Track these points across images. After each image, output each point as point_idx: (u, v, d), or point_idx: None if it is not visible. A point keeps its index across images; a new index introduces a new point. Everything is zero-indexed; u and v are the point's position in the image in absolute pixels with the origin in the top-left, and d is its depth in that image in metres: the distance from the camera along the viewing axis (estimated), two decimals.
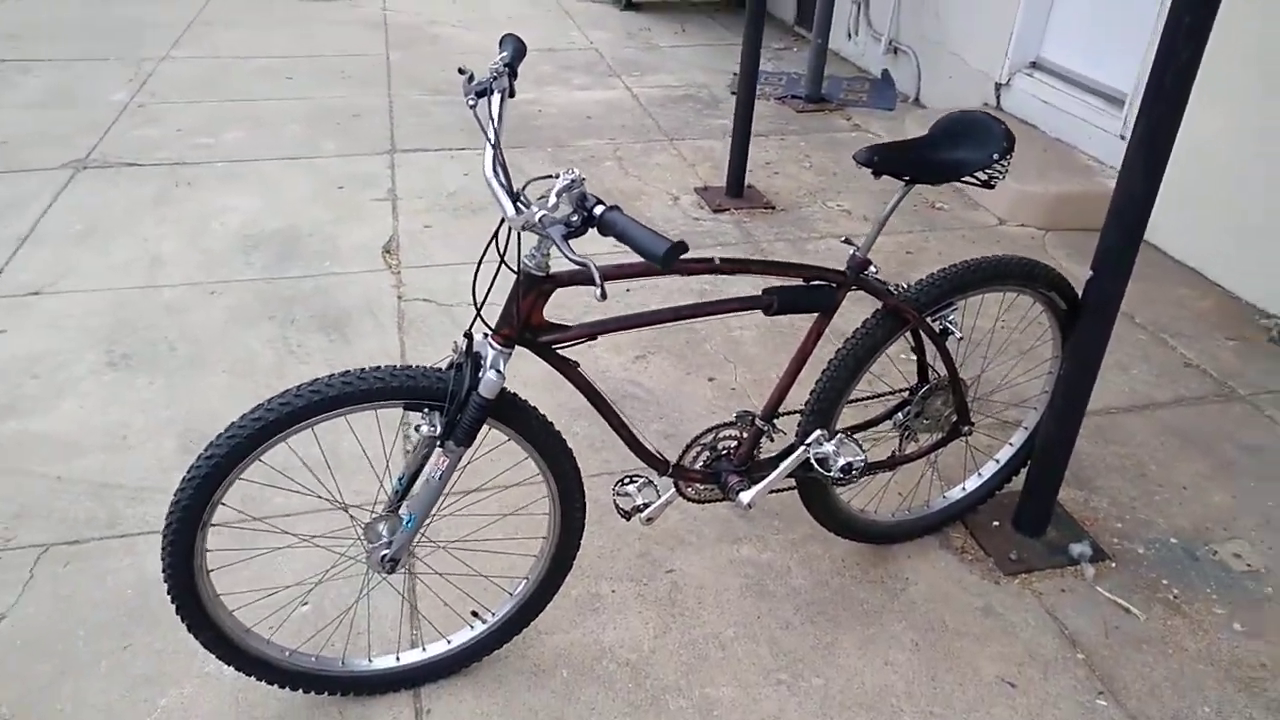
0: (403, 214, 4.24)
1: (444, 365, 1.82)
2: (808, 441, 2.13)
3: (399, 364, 1.86)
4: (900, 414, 2.35)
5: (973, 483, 2.56)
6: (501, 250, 1.70)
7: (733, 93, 5.83)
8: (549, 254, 1.73)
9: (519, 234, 1.68)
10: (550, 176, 1.56)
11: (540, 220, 1.52)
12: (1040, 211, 4.27)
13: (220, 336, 3.30)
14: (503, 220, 1.72)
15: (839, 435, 2.14)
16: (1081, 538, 2.52)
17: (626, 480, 2.19)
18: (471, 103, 1.76)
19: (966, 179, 2.00)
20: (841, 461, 2.07)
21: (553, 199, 1.48)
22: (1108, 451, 2.87)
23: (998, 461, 2.58)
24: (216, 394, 2.98)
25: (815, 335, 2.13)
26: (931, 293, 2.14)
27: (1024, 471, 2.56)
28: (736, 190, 4.45)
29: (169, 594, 1.79)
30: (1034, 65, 4.97)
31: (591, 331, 1.88)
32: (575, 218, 1.47)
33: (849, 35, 6.40)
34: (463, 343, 1.81)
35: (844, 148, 5.18)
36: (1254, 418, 3.07)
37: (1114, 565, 2.48)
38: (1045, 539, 2.53)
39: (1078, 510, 2.63)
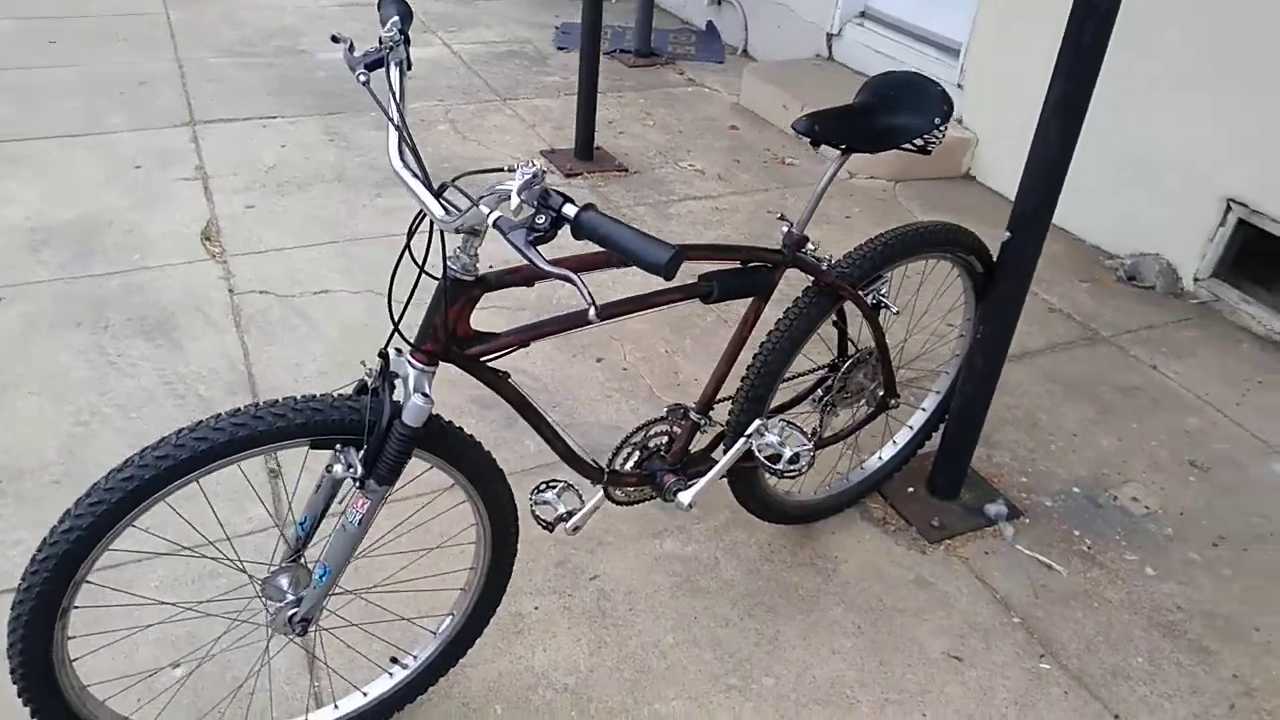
0: (217, 194, 3.75)
1: (350, 390, 1.55)
2: (748, 432, 1.98)
3: (253, 381, 1.57)
4: (822, 391, 2.25)
5: (888, 451, 2.51)
6: (412, 251, 1.45)
7: (559, 48, 5.59)
8: (477, 255, 1.48)
9: (442, 235, 1.43)
10: (496, 170, 1.32)
11: (496, 224, 1.27)
12: (888, 164, 4.29)
13: (19, 352, 2.78)
14: (419, 218, 1.46)
15: (781, 423, 2.00)
16: (995, 497, 2.52)
17: (544, 487, 1.98)
18: (363, 78, 1.47)
19: (905, 146, 1.89)
20: (789, 453, 1.94)
21: (515, 199, 1.23)
22: (999, 404, 2.89)
23: (911, 428, 2.53)
24: (28, 422, 2.51)
25: (753, 318, 1.98)
26: (864, 266, 2.03)
27: (933, 435, 2.53)
28: (586, 152, 4.22)
29: (24, 701, 1.44)
30: (863, 15, 4.99)
31: (523, 338, 1.65)
32: (541, 219, 1.23)
33: None
34: (375, 363, 1.54)
35: (682, 104, 5.04)
36: (1121, 358, 3.19)
37: (1028, 521, 2.49)
38: (961, 501, 2.51)
39: (984, 468, 2.63)
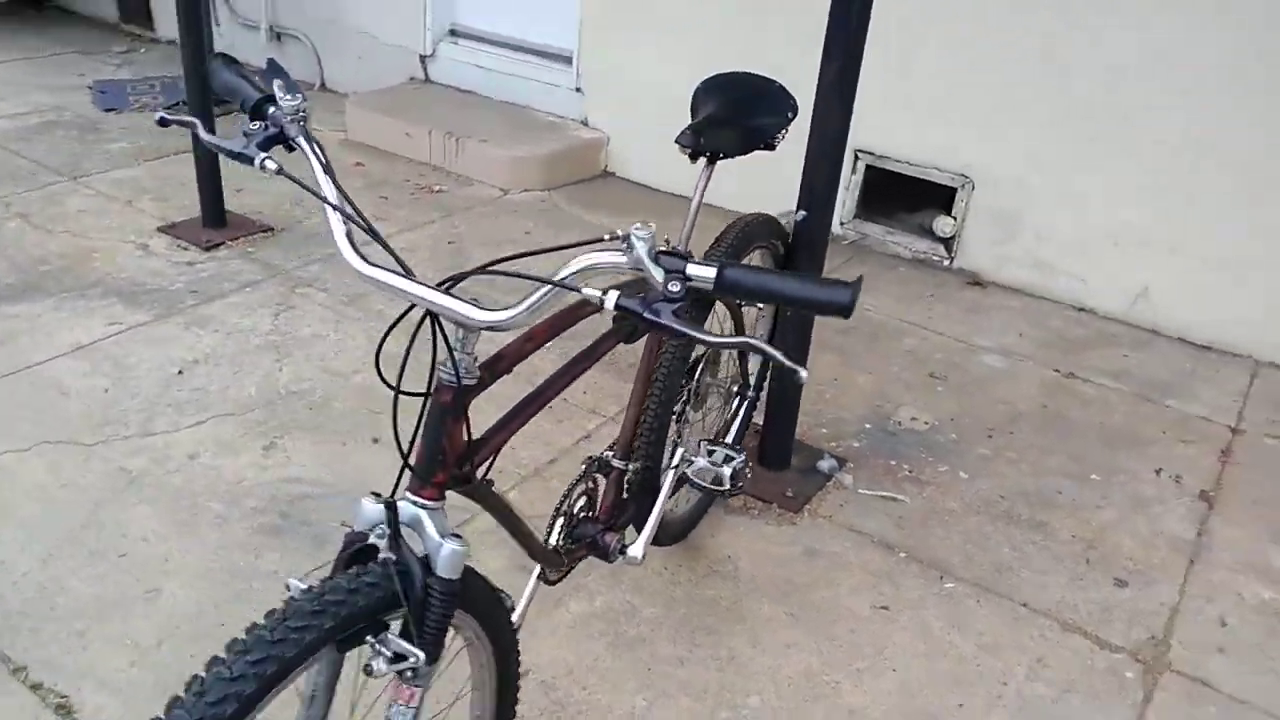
0: None
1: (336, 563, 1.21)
2: (674, 464, 1.87)
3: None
4: (688, 396, 2.19)
5: (690, 425, 2.52)
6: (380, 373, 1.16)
7: (106, 109, 4.76)
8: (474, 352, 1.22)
9: (452, 335, 1.17)
10: (525, 254, 1.10)
11: (623, 305, 1.03)
12: (538, 174, 4.27)
13: None
14: (416, 326, 1.15)
15: (702, 444, 1.92)
16: (820, 454, 2.65)
17: None
18: (272, 165, 1.17)
19: (762, 146, 1.90)
20: (728, 470, 1.86)
21: (656, 271, 1.01)
22: None
23: (738, 415, 2.56)
24: None
25: (657, 347, 1.85)
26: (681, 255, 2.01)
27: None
28: (217, 219, 3.65)
29: None
30: (454, 33, 4.89)
31: (508, 431, 1.40)
32: (676, 287, 1.02)
33: (215, 25, 5.60)
34: (370, 513, 1.20)
35: None
36: None
37: (854, 466, 2.66)
38: (796, 468, 2.61)
39: None
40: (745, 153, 1.88)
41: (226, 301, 3.21)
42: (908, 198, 3.94)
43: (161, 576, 2.12)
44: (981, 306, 3.59)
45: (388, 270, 1.15)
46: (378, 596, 1.13)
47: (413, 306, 1.16)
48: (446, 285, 1.15)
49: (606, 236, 1.06)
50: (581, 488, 1.83)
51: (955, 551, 2.37)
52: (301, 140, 1.23)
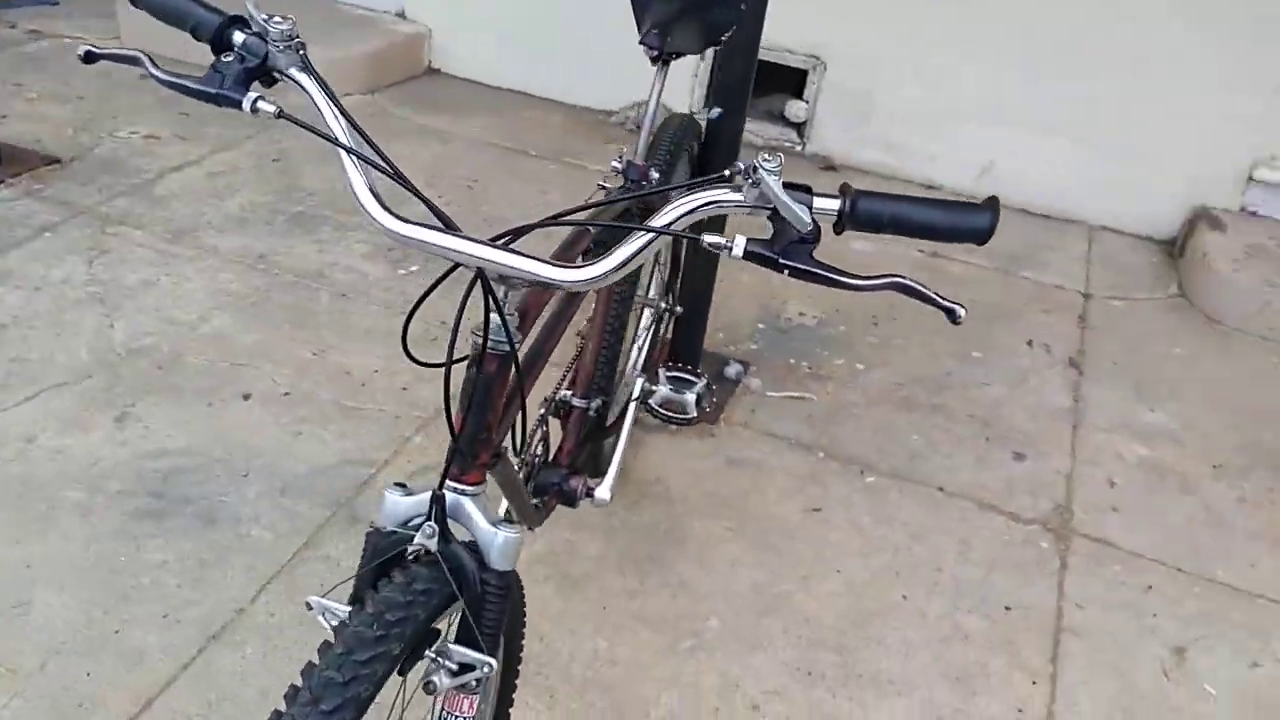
0: None
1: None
2: (636, 396, 1.76)
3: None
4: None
5: (635, 355, 2.42)
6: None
7: None
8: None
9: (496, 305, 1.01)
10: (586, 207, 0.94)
11: (755, 254, 0.90)
12: (359, 77, 3.88)
13: None
14: (477, 280, 0.99)
15: (659, 372, 1.81)
16: (724, 360, 2.61)
17: None
18: (269, 107, 0.97)
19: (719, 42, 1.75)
20: (690, 395, 1.77)
21: (793, 205, 0.86)
22: None
23: (648, 329, 2.46)
24: None
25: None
26: (642, 171, 1.87)
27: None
28: None
29: None
30: None
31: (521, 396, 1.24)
32: (807, 227, 0.88)
33: None
34: (403, 506, 1.05)
35: (55, 61, 3.93)
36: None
37: (756, 368, 2.63)
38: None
39: None
40: (702, 50, 1.75)
41: (24, 250, 2.76)
42: (758, 82, 3.87)
43: (27, 586, 1.83)
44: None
45: (428, 226, 0.96)
46: (433, 604, 0.99)
47: (455, 267, 0.98)
48: (505, 240, 0.98)
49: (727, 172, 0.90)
50: (539, 434, 1.70)
51: (868, 445, 2.41)
52: (296, 73, 1.00)
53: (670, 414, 1.86)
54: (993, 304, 3.03)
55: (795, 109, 3.76)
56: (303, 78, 1.00)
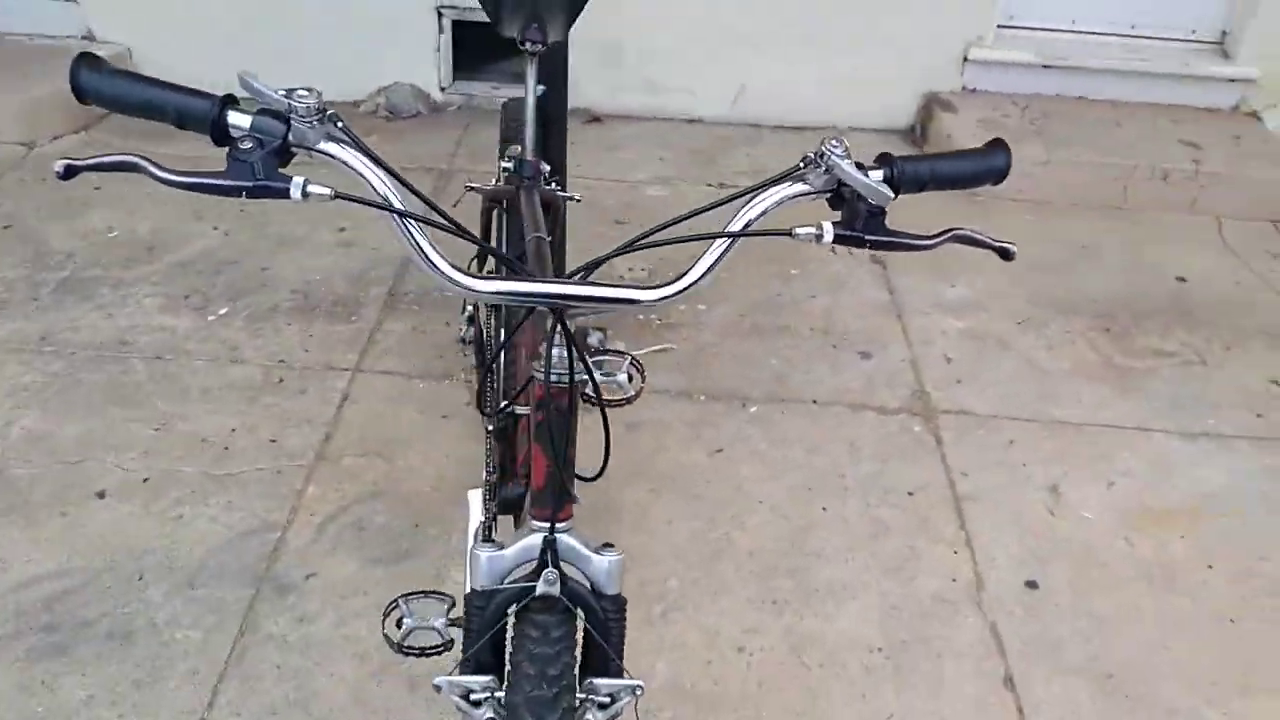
0: None
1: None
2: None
3: None
4: None
5: None
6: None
7: None
8: None
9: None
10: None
11: (857, 227, 0.95)
12: (61, 118, 3.41)
13: None
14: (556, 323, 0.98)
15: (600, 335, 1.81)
16: (584, 332, 2.63)
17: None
18: (323, 190, 0.90)
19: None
20: (623, 375, 1.79)
21: (868, 181, 0.91)
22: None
23: None
24: None
25: None
26: (535, 166, 1.85)
27: None
28: None
29: None
30: None
31: None
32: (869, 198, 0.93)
33: None
34: (496, 563, 1.04)
35: None
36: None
37: (613, 331, 2.67)
38: None
39: None
40: (568, 32, 1.74)
41: None
42: (500, 46, 3.82)
43: None
44: (612, 141, 3.68)
45: (508, 277, 0.94)
46: (575, 647, 0.99)
47: (531, 311, 0.96)
48: (581, 275, 0.96)
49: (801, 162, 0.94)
50: (496, 454, 1.67)
51: (737, 378, 2.55)
52: (328, 146, 0.92)
53: (611, 399, 1.88)
54: (787, 221, 3.23)
55: None
56: (337, 149, 0.92)
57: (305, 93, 0.90)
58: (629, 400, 1.92)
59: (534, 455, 1.07)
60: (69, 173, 0.87)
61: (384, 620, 1.57)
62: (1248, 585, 2.06)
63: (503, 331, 1.69)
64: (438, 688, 1.00)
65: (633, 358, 1.90)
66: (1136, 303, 2.89)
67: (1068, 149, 3.33)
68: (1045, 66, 3.63)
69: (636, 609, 1.91)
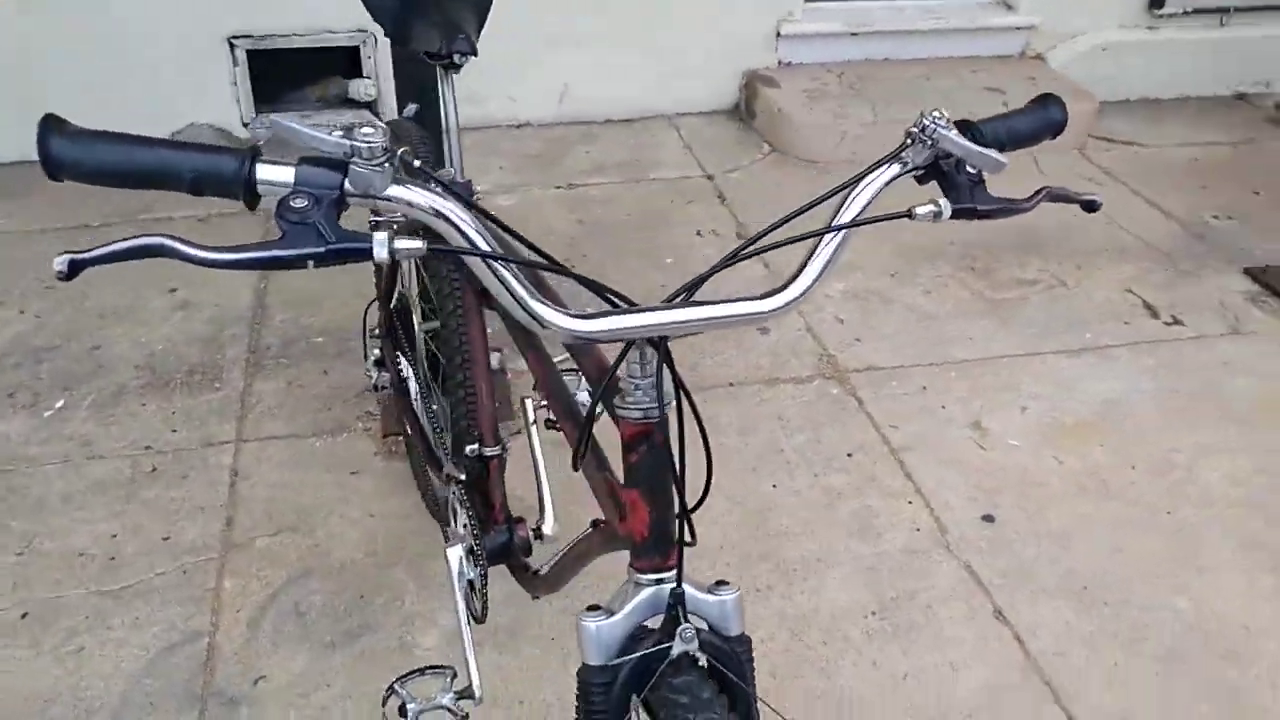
0: None
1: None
2: (532, 419, 1.64)
3: None
4: None
5: None
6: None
7: None
8: None
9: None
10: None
11: (973, 197, 0.91)
12: None
13: None
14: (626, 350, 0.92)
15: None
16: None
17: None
18: (414, 245, 0.80)
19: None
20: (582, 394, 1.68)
21: (978, 147, 0.85)
22: None
23: None
24: None
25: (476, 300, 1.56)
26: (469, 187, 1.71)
27: None
28: None
29: None
30: None
31: None
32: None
33: None
34: (606, 633, 0.93)
35: None
36: None
37: (509, 353, 2.54)
38: None
39: None
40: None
41: None
42: (305, 72, 3.56)
43: None
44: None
45: (608, 314, 0.83)
46: (724, 706, 0.89)
47: (631, 344, 0.85)
48: (684, 297, 0.85)
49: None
50: (469, 508, 1.53)
51: None
52: (402, 191, 0.77)
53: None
54: (648, 212, 3.20)
55: (360, 88, 3.54)
56: (407, 193, 0.78)
57: (370, 131, 0.75)
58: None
59: (633, 503, 0.96)
60: (73, 270, 0.69)
61: (384, 713, 1.41)
62: (1169, 478, 2.20)
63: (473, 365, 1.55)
64: None
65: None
66: (990, 240, 3.04)
67: (891, 107, 3.47)
68: (853, 34, 3.77)
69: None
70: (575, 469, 1.02)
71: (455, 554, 1.52)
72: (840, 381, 2.47)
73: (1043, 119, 0.98)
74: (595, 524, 1.19)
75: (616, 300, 0.88)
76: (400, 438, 2.19)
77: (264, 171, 0.74)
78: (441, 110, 1.59)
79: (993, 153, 0.87)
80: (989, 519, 2.09)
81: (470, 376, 1.58)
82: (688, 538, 0.98)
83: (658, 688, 0.92)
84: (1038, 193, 0.95)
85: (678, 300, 0.89)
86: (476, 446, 1.57)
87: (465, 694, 1.44)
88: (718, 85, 3.79)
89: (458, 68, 1.52)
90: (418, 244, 0.75)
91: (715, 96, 3.81)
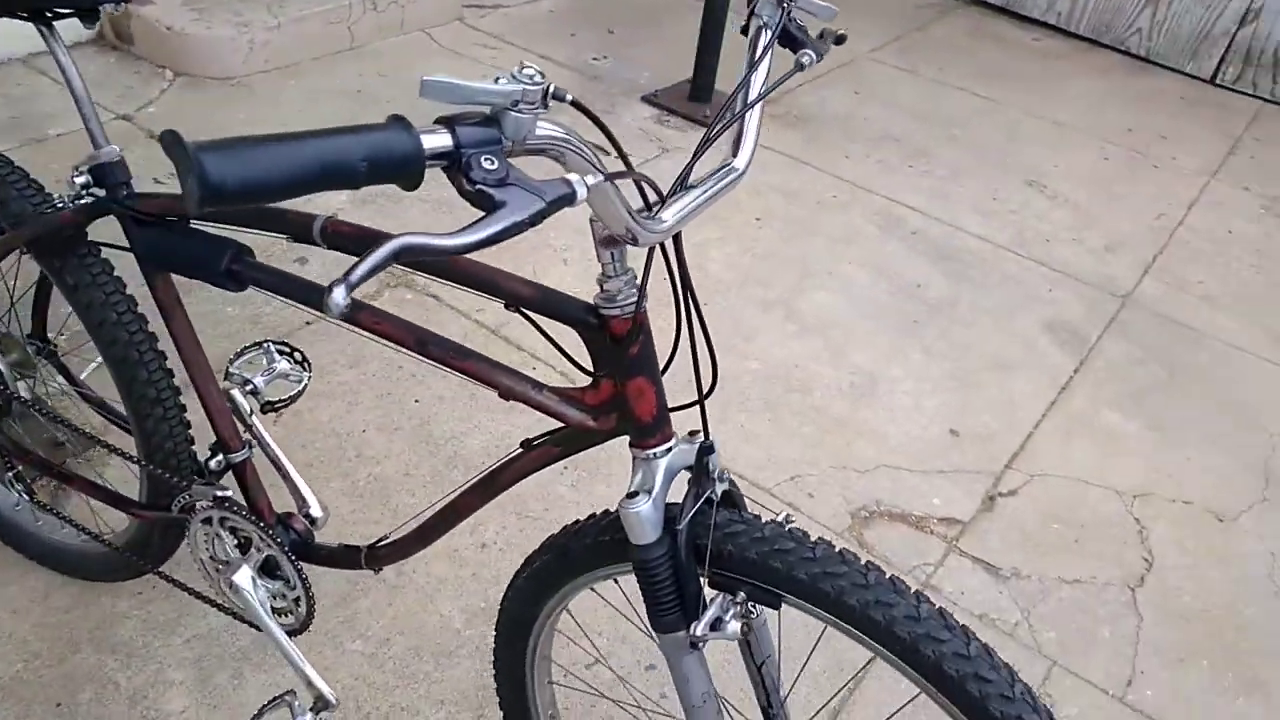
0: None
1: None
2: (248, 409, 1.45)
3: None
4: None
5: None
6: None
7: None
8: None
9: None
10: None
11: None
12: None
13: None
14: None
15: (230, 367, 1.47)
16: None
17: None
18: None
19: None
20: (284, 363, 1.51)
21: None
22: None
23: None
24: None
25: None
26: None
27: None
28: None
29: None
30: None
31: None
32: None
33: None
34: (648, 517, 0.99)
35: None
36: None
37: None
38: None
39: None
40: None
41: None
42: None
43: None
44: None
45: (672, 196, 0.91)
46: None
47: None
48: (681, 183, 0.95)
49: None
50: (244, 518, 1.36)
51: None
52: (549, 128, 0.76)
53: (288, 400, 1.55)
54: None
55: None
56: (554, 130, 0.75)
57: (533, 71, 0.70)
58: (298, 396, 1.65)
59: (640, 389, 0.99)
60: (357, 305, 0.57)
61: None
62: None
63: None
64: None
65: (290, 349, 1.65)
66: None
67: (289, 6, 3.30)
68: None
69: None
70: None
71: (244, 576, 1.36)
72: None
73: None
74: (526, 444, 1.14)
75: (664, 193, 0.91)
76: None
77: (427, 141, 0.66)
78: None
79: (829, 4, 1.05)
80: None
81: (174, 390, 1.37)
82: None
83: (717, 530, 0.99)
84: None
85: (679, 193, 0.93)
86: (221, 457, 1.38)
87: (320, 705, 1.35)
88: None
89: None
90: (599, 177, 0.75)
91: (73, 28, 3.22)
